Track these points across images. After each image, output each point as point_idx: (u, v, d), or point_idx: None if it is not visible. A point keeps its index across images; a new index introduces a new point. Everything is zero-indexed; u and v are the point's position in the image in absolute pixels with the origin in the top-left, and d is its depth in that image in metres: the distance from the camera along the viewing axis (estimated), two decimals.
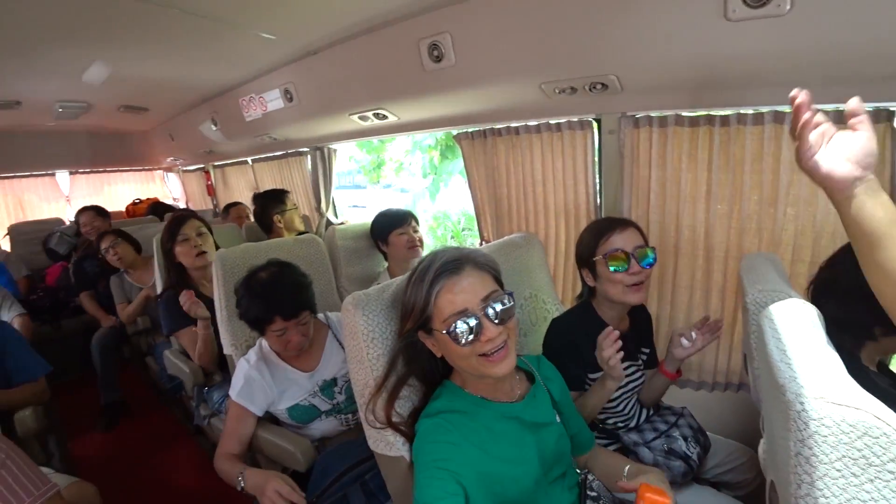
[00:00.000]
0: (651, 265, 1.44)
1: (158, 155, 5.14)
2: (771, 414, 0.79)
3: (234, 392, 1.64)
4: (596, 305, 1.54)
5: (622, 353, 1.29)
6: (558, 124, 2.02)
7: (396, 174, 7.62)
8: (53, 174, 5.33)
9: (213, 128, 3.52)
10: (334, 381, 1.74)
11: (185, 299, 2.07)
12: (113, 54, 2.51)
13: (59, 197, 5.39)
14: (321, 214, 3.37)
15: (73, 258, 3.81)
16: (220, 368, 2.27)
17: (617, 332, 1.28)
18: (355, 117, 2.43)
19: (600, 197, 2.02)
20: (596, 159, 1.98)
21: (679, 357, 1.43)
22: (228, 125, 3.42)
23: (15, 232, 4.37)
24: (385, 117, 2.33)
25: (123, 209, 5.15)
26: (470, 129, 2.32)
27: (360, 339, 1.11)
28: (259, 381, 1.63)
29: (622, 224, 1.46)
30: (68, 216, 5.02)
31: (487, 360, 1.01)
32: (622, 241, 1.43)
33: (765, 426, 0.95)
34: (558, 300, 1.90)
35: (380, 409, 1.09)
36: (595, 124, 1.95)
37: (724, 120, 1.65)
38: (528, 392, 1.16)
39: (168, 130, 4.32)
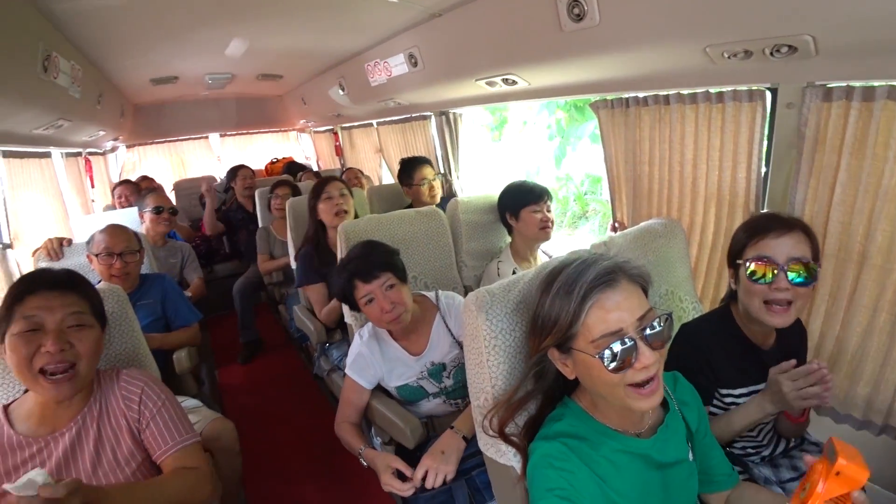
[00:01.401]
0: (806, 285, 1.15)
1: (292, 117, 5.51)
2: None
3: (347, 365, 1.70)
4: (735, 313, 1.30)
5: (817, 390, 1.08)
6: (720, 94, 1.70)
7: (520, 134, 7.32)
8: (207, 136, 6.09)
9: (341, 92, 3.61)
10: (443, 366, 1.71)
11: None
12: (251, 29, 2.69)
13: (212, 156, 6.14)
14: (447, 181, 3.32)
15: (222, 210, 4.30)
16: (340, 327, 2.41)
17: (793, 363, 1.09)
18: (482, 83, 2.29)
19: (765, 184, 1.69)
20: (765, 138, 1.65)
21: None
22: (355, 90, 3.49)
23: (178, 187, 5.07)
24: (514, 83, 2.15)
25: (263, 167, 5.68)
26: (609, 97, 2.06)
27: (481, 343, 1.03)
28: (368, 358, 1.67)
29: (785, 226, 1.18)
30: (220, 173, 5.67)
31: (637, 391, 0.88)
32: (776, 247, 1.16)
33: None
34: (697, 298, 1.67)
35: (496, 420, 1.02)
36: (769, 95, 1.61)
37: None
38: (660, 423, 1.01)
39: (300, 95, 4.56)
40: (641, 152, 2.01)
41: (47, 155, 3.28)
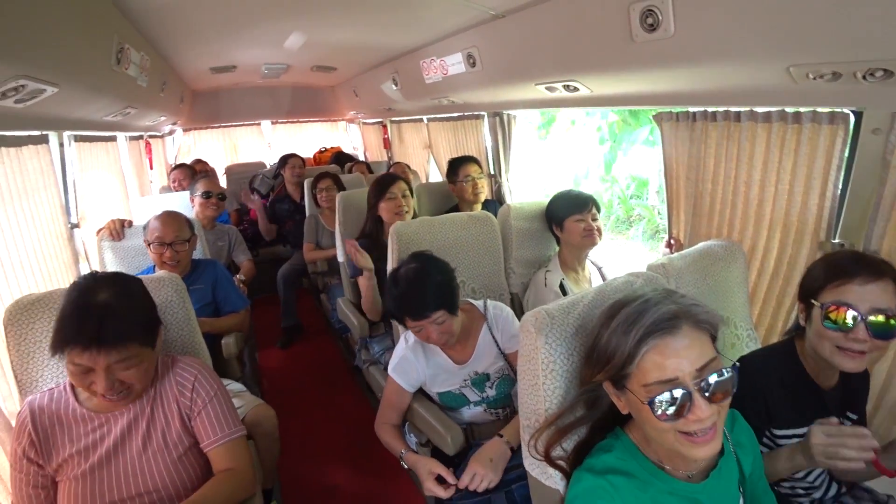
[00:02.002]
0: (887, 338, 1.06)
1: (343, 108, 5.58)
2: None
3: (390, 367, 1.72)
4: (800, 350, 1.23)
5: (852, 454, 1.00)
6: (797, 114, 1.61)
7: (566, 133, 7.15)
8: (259, 123, 6.27)
9: (394, 87, 3.63)
10: (487, 376, 1.70)
11: (349, 247, 2.20)
12: (309, 23, 2.73)
13: (263, 143, 6.32)
14: (497, 182, 3.29)
15: (271, 198, 4.41)
16: (383, 320, 2.44)
17: (834, 420, 1.03)
18: (542, 87, 2.24)
19: (839, 214, 1.60)
20: (844, 164, 1.55)
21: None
22: (408, 86, 3.49)
23: (230, 171, 5.23)
24: (576, 89, 2.10)
25: (311, 156, 5.79)
26: (675, 110, 1.99)
27: (538, 366, 1.02)
28: (412, 362, 1.68)
29: (873, 273, 1.07)
30: (269, 160, 5.82)
31: (689, 439, 0.84)
32: (860, 295, 1.06)
33: None
34: (752, 325, 1.61)
35: (542, 443, 1.01)
36: (852, 118, 1.51)
37: None
38: (713, 466, 0.96)
39: (353, 86, 4.60)
40: (705, 169, 1.93)
41: (113, 139, 3.44)
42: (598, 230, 2.09)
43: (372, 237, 2.49)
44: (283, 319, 3.87)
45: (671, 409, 0.82)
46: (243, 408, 1.93)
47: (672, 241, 2.16)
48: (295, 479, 2.39)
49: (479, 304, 1.76)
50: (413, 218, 2.48)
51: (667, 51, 1.59)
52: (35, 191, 2.03)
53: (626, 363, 0.86)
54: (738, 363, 0.89)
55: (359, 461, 2.48)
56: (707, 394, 0.82)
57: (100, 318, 1.11)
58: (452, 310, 1.57)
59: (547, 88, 2.23)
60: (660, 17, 1.53)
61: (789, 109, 1.62)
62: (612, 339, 0.88)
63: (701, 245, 1.61)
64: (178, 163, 4.90)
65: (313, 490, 2.32)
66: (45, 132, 2.18)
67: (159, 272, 1.57)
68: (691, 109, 1.93)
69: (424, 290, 1.53)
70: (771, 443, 1.22)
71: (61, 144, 2.44)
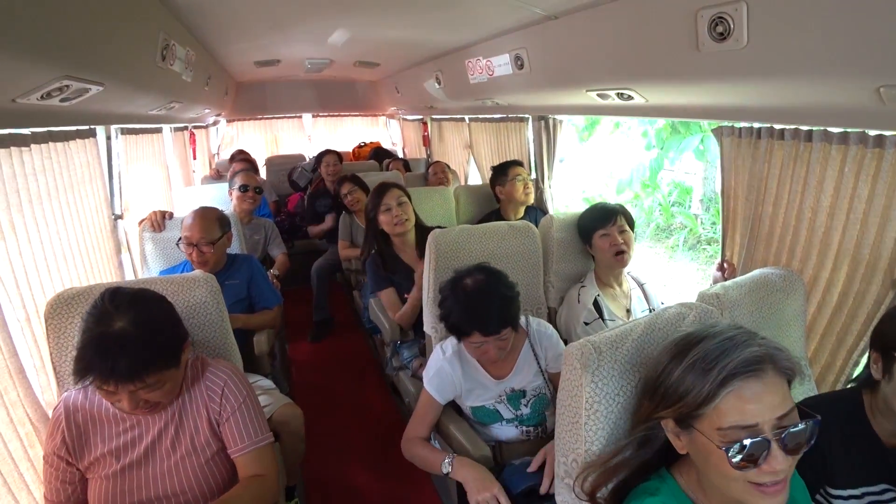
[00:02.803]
0: None
1: (383, 104, 5.56)
2: None
3: (426, 378, 1.68)
4: (868, 404, 1.12)
5: None
6: (880, 137, 1.46)
7: (610, 136, 6.90)
8: (300, 116, 6.35)
9: (437, 86, 3.57)
10: (523, 392, 1.66)
11: None
12: (354, 20, 2.70)
13: (303, 135, 6.39)
14: (538, 188, 3.19)
15: (309, 191, 4.44)
16: (414, 326, 2.40)
17: None
18: (593, 94, 2.13)
19: None
20: None
21: None
22: (452, 85, 3.42)
23: (270, 163, 5.30)
24: (630, 98, 1.98)
25: (350, 150, 5.82)
26: (739, 125, 1.86)
27: (580, 403, 0.95)
28: (449, 375, 1.64)
29: None
30: (309, 153, 5.87)
31: (759, 489, 0.78)
32: None
33: None
34: (807, 362, 1.52)
35: (589, 484, 0.94)
36: None
37: None
38: None
39: (394, 82, 4.57)
40: (767, 190, 1.79)
41: (159, 130, 3.51)
42: (627, 243, 1.97)
43: (381, 253, 2.44)
44: (315, 313, 3.90)
45: (747, 458, 0.77)
46: (271, 406, 1.93)
47: (725, 265, 2.02)
48: (317, 477, 2.39)
49: (521, 318, 1.71)
50: (416, 224, 2.44)
51: (736, 63, 1.47)
52: (81, 184, 2.07)
53: (702, 403, 0.80)
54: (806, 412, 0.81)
55: (382, 464, 2.46)
56: (785, 444, 0.77)
57: (117, 351, 1.06)
58: (516, 326, 1.57)
59: (599, 95, 2.12)
60: (731, 26, 1.41)
61: (871, 132, 1.48)
62: (687, 377, 0.83)
63: (757, 273, 1.50)
64: (222, 153, 4.99)
65: (335, 489, 2.32)
66: (92, 126, 2.21)
67: (195, 271, 1.57)
68: (756, 125, 1.79)
69: (494, 306, 1.50)
70: (825, 501, 1.13)
71: (108, 137, 2.49)
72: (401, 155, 5.94)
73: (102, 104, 1.89)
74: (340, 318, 4.07)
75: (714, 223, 7.36)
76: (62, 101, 1.46)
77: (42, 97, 1.36)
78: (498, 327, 1.49)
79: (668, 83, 1.77)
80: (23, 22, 1.05)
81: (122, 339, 1.08)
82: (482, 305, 1.49)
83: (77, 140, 2.01)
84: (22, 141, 1.57)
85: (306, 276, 3.92)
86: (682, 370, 0.83)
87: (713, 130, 1.96)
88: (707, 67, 1.56)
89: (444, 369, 1.64)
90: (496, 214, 2.91)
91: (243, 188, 3.11)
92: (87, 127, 2.11)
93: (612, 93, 2.03)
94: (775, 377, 0.79)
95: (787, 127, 1.69)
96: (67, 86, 1.38)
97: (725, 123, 1.93)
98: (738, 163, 1.89)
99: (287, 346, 3.38)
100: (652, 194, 8.03)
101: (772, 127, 1.74)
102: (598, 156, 7.68)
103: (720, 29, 1.44)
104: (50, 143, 1.75)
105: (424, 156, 5.22)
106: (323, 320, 3.90)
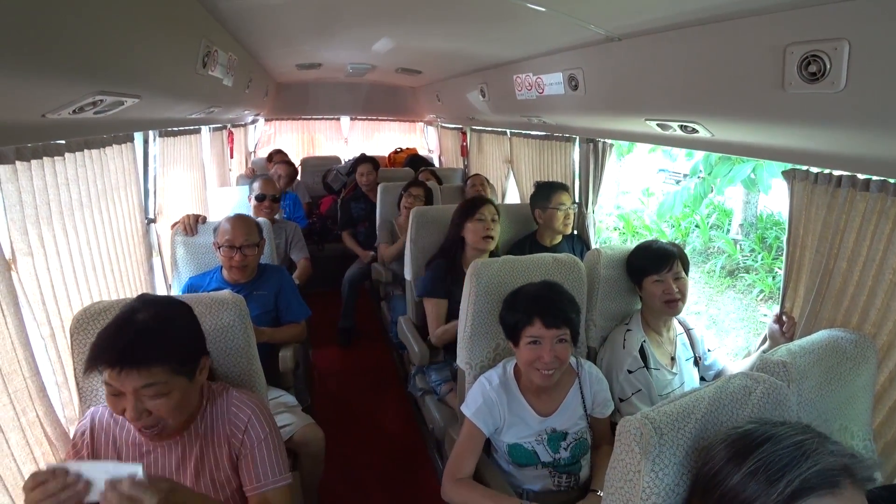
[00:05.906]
0: None
1: (423, 111, 5.49)
2: None
3: (469, 410, 1.59)
4: None
5: None
6: None
7: (650, 153, 6.66)
8: (338, 119, 6.33)
9: (481, 98, 3.47)
10: (564, 434, 1.59)
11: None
12: (398, 29, 2.65)
13: (340, 138, 6.39)
14: (583, 214, 3.06)
15: (342, 195, 4.39)
16: (445, 348, 2.33)
17: None
18: (653, 123, 2.00)
19: None
20: None
21: None
22: (497, 99, 3.31)
23: (305, 163, 5.29)
24: (695, 131, 1.84)
25: (386, 155, 5.77)
26: (814, 170, 1.70)
27: (636, 492, 0.85)
28: (496, 404, 1.57)
29: None
30: (344, 156, 5.85)
31: None
32: None
33: None
34: (871, 437, 1.38)
35: None
36: None
37: None
38: None
39: (436, 90, 4.48)
40: (842, 244, 1.62)
41: (197, 131, 3.49)
42: (682, 291, 1.82)
43: (449, 257, 2.38)
44: (342, 319, 3.85)
45: None
46: (292, 426, 1.89)
47: (784, 318, 1.85)
48: (334, 498, 2.32)
49: (571, 360, 1.63)
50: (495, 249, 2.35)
51: (828, 106, 1.32)
52: (115, 189, 2.04)
53: None
54: None
55: (400, 492, 2.38)
56: None
57: (132, 336, 1.07)
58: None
59: (659, 125, 1.99)
60: (827, 66, 1.26)
61: None
62: (749, 485, 0.73)
63: (825, 335, 1.37)
64: (259, 151, 4.97)
65: None
66: (129, 132, 2.19)
67: (223, 292, 1.51)
68: (835, 172, 1.63)
69: (562, 299, 1.51)
70: None
71: (146, 142, 2.47)
72: (436, 162, 5.85)
73: (138, 113, 1.85)
74: (367, 328, 4.03)
75: (753, 250, 7.09)
76: (96, 113, 1.41)
77: (74, 111, 1.31)
78: (560, 321, 1.46)
79: (742, 121, 1.63)
80: (54, 38, 0.99)
81: (140, 326, 1.09)
82: (548, 297, 1.51)
83: (113, 146, 1.98)
84: (56, 150, 1.52)
85: (334, 278, 3.88)
86: (743, 476, 0.74)
87: (784, 173, 1.80)
88: (791, 109, 1.42)
89: (492, 399, 1.57)
90: (531, 238, 2.79)
91: (259, 197, 3.04)
92: (123, 133, 2.08)
93: (675, 124, 1.89)
94: (854, 492, 0.70)
95: (875, 178, 1.52)
96: (101, 100, 1.32)
97: (798, 166, 1.78)
98: (810, 210, 1.73)
99: (311, 352, 3.33)
100: (690, 215, 7.76)
101: (854, 176, 1.57)
102: (635, 173, 7.48)
103: (813, 68, 1.30)
104: (85, 150, 1.71)
105: (462, 167, 5.11)
106: (349, 328, 3.87)
